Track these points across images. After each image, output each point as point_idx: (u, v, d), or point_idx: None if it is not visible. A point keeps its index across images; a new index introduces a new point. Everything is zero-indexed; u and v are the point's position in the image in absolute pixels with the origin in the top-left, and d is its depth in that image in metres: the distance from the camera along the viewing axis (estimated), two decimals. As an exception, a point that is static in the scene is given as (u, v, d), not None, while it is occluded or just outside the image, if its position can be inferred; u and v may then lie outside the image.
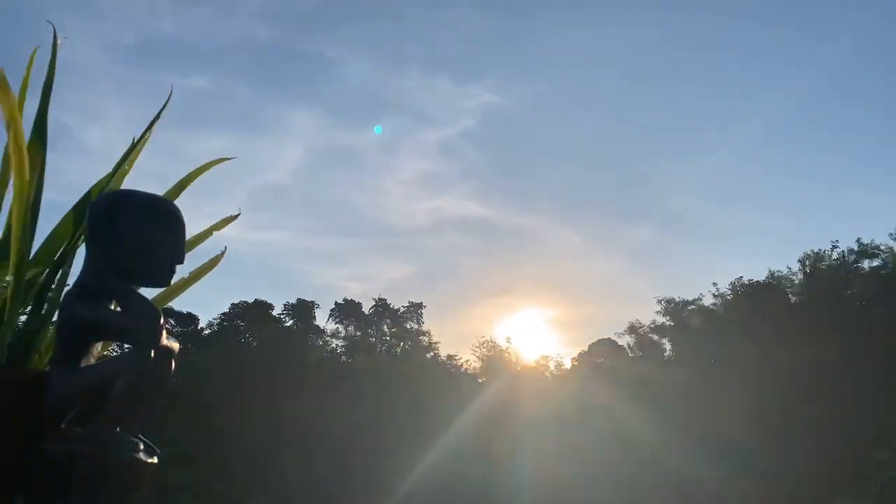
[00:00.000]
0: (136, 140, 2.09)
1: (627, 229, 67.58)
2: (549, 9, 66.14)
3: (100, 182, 2.01)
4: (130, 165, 2.09)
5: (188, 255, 2.01)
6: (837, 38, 54.77)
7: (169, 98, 2.18)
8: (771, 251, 70.25)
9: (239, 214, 2.26)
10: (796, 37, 61.20)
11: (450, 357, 43.26)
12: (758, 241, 60.65)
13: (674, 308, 38.27)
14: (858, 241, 33.82)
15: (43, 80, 1.97)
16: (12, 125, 1.77)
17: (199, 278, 2.15)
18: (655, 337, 39.53)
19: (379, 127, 60.51)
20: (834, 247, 34.19)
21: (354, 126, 67.51)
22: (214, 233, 2.20)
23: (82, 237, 1.85)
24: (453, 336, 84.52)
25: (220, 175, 2.21)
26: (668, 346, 39.18)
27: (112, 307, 1.69)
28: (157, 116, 2.12)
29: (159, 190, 2.03)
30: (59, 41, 1.97)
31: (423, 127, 67.09)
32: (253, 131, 65.46)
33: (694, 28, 62.58)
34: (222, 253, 2.21)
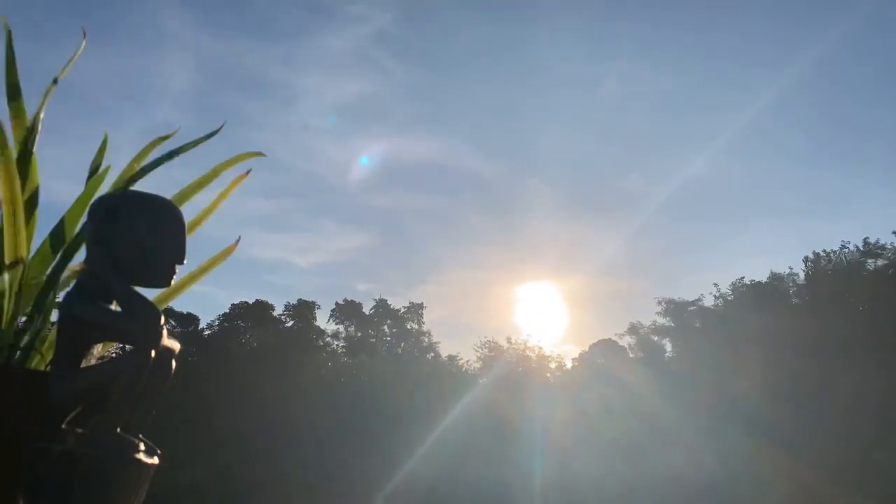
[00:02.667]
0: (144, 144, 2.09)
1: (618, 187, 57.22)
2: None
3: (99, 181, 2.01)
4: (138, 163, 2.09)
5: (196, 232, 2.01)
6: (838, 26, 50.58)
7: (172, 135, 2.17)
8: (773, 251, 67.82)
9: (249, 172, 2.18)
10: (797, 24, 56.93)
11: (451, 357, 43.31)
12: (760, 240, 59.67)
13: (675, 309, 38.27)
14: (865, 240, 33.73)
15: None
16: None
17: (203, 274, 2.13)
18: (656, 338, 39.54)
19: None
20: (843, 246, 34.08)
21: (242, 29, 53.92)
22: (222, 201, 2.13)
23: (84, 237, 1.85)
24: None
25: (103, 119, 2.06)
26: (668, 346, 39.20)
27: (112, 307, 1.68)
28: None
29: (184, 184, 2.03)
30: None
31: (326, 28, 53.61)
32: (126, 43, 51.28)
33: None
34: (235, 243, 2.17)
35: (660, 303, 38.72)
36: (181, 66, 51.18)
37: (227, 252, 2.16)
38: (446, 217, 59.68)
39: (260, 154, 2.26)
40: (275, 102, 55.79)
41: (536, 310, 52.20)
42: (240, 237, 2.19)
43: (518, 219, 60.87)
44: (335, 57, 53.66)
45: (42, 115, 1.94)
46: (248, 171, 2.18)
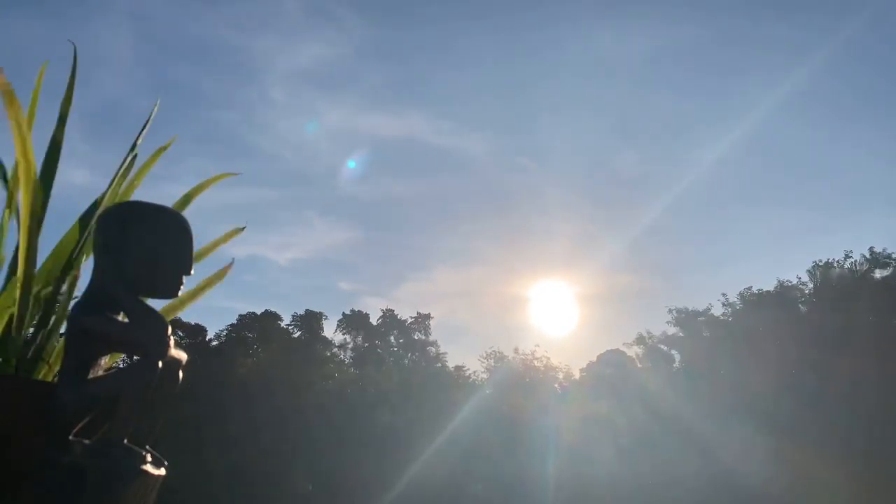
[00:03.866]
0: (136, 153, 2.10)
1: (621, 175, 52.27)
2: None
3: (108, 194, 2.01)
4: (140, 178, 2.10)
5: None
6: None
7: (151, 116, 2.18)
8: (780, 260, 66.23)
9: (244, 228, 2.22)
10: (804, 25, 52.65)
11: (458, 368, 43.20)
12: (767, 249, 58.79)
13: (683, 318, 38.06)
14: (871, 249, 33.58)
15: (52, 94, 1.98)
16: (20, 138, 1.78)
17: (205, 291, 2.14)
18: (665, 347, 39.30)
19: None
20: (847, 256, 33.92)
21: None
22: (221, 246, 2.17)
23: (91, 248, 1.86)
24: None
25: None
26: (677, 356, 38.95)
27: (120, 318, 1.68)
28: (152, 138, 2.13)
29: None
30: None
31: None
32: (53, 4, 42.38)
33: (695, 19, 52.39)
34: (229, 265, 2.20)
35: (670, 311, 38.57)
36: (120, 31, 43.12)
37: (226, 269, 2.17)
38: (430, 205, 53.86)
39: (233, 174, 2.28)
40: (231, 74, 48.36)
41: (535, 310, 49.76)
42: (232, 261, 2.19)
43: (511, 207, 54.51)
44: (290, 15, 46.41)
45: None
46: (244, 228, 2.18)
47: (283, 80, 47.48)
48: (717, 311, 37.21)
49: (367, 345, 42.67)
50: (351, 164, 48.76)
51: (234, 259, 2.20)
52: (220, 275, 2.17)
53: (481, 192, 52.62)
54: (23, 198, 1.80)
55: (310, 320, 41.60)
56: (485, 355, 42.68)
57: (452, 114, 54.29)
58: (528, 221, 53.38)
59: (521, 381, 39.39)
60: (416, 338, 43.39)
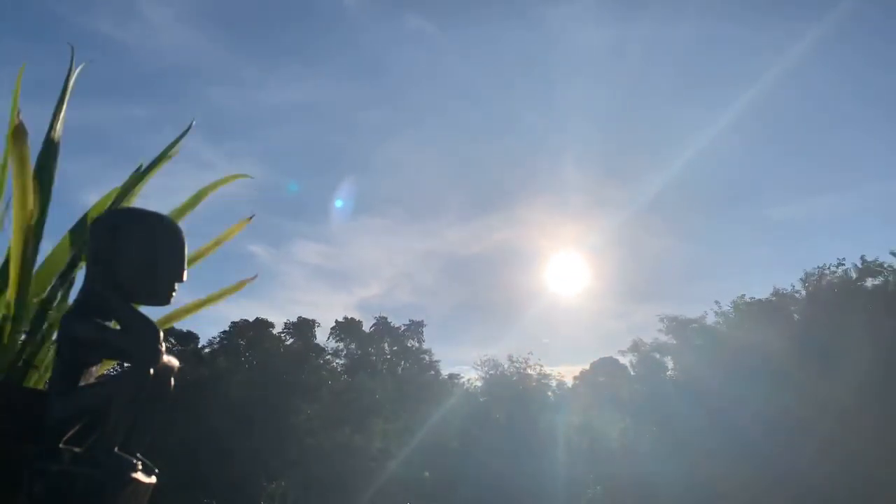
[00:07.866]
0: (141, 166, 2.10)
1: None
2: None
3: (101, 203, 2.01)
4: (135, 194, 2.09)
5: (197, 265, 1.99)
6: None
7: (186, 129, 2.17)
8: (773, 267, 65.73)
9: (252, 217, 2.17)
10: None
11: (451, 376, 43.12)
12: (761, 256, 58.44)
13: (676, 326, 38.09)
14: (862, 258, 33.70)
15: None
16: (17, 155, 1.77)
17: (221, 298, 2.12)
18: (658, 355, 39.31)
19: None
20: (840, 264, 34.00)
21: None
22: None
23: (83, 256, 1.85)
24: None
25: None
26: (670, 364, 38.97)
27: (112, 325, 1.68)
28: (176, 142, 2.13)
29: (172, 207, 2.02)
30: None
31: None
32: None
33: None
34: (252, 277, 2.17)
35: (661, 320, 38.59)
36: None
37: (241, 283, 2.16)
38: (333, 106, 42.17)
39: (245, 176, 2.26)
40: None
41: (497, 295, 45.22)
42: (256, 275, 2.15)
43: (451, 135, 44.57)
44: None
45: (58, 134, 1.95)
46: (251, 218, 2.16)
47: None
48: (710, 319, 37.26)
49: (360, 352, 42.54)
50: (338, 203, 44.32)
51: (257, 274, 2.16)
52: (238, 286, 2.14)
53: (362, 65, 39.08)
54: (15, 205, 1.79)
55: (302, 327, 41.48)
56: (480, 362, 42.59)
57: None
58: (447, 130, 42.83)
59: (515, 389, 39.32)
60: (409, 345, 43.31)
